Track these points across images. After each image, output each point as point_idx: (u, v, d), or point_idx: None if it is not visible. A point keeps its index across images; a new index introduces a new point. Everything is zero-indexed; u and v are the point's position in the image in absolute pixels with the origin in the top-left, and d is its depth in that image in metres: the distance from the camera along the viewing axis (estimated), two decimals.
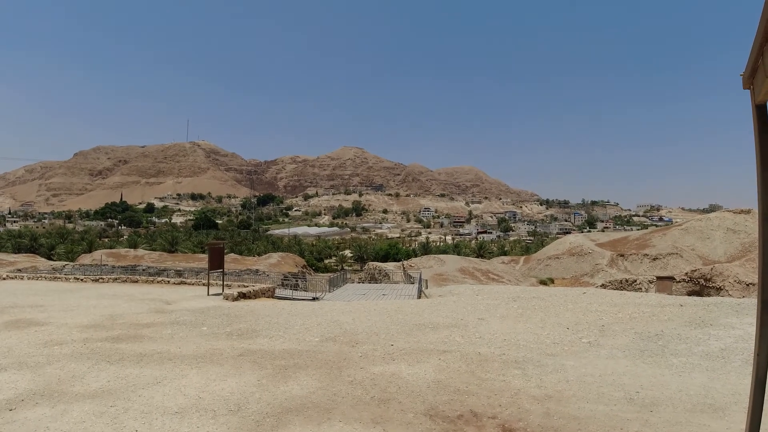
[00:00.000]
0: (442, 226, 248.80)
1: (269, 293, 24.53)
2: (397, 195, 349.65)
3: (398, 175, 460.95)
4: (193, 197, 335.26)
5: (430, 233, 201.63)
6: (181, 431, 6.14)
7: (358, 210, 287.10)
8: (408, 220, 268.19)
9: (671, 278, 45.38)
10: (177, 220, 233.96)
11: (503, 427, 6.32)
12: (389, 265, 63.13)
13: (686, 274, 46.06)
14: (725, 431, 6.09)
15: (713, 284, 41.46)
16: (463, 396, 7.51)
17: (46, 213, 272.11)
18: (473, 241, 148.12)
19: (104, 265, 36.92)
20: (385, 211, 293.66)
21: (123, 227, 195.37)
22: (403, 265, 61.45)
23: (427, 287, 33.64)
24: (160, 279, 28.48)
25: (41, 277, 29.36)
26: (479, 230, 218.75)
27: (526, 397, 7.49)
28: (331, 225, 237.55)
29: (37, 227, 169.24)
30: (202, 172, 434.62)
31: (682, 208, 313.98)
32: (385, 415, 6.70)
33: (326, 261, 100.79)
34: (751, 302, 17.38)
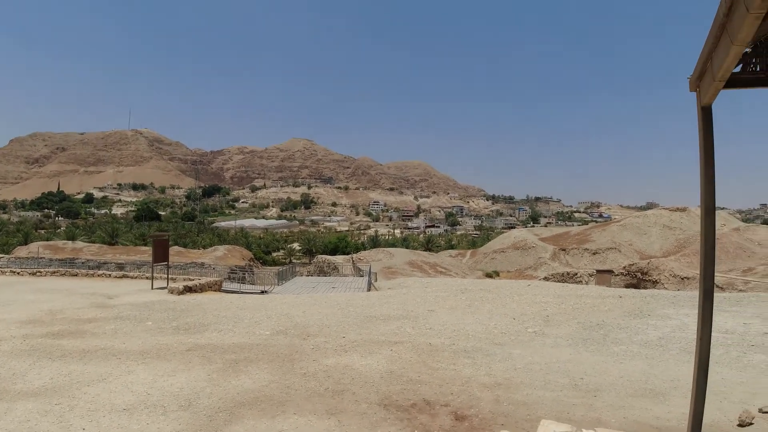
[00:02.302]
0: (391, 219, 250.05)
1: (216, 287, 24.08)
2: (347, 188, 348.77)
3: (348, 168, 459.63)
4: (135, 187, 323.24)
5: (379, 227, 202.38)
6: (131, 428, 5.98)
7: (307, 203, 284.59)
8: (357, 214, 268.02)
9: (610, 271, 47.44)
10: (118, 211, 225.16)
11: (455, 414, 6.47)
12: (338, 259, 63.04)
13: (624, 267, 48.23)
14: (666, 414, 6.44)
15: (650, 278, 43.55)
16: (415, 385, 7.63)
17: None
18: (422, 235, 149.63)
19: (41, 257, 35.23)
20: (334, 204, 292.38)
21: (60, 218, 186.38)
22: (352, 258, 61.47)
23: (376, 280, 33.81)
24: (100, 272, 27.47)
25: None
26: (427, 224, 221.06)
27: (477, 385, 7.68)
28: (280, 218, 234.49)
29: None
30: (145, 162, 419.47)
31: (621, 206, 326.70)
32: (339, 406, 6.73)
33: (274, 254, 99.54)
34: (686, 295, 18.39)
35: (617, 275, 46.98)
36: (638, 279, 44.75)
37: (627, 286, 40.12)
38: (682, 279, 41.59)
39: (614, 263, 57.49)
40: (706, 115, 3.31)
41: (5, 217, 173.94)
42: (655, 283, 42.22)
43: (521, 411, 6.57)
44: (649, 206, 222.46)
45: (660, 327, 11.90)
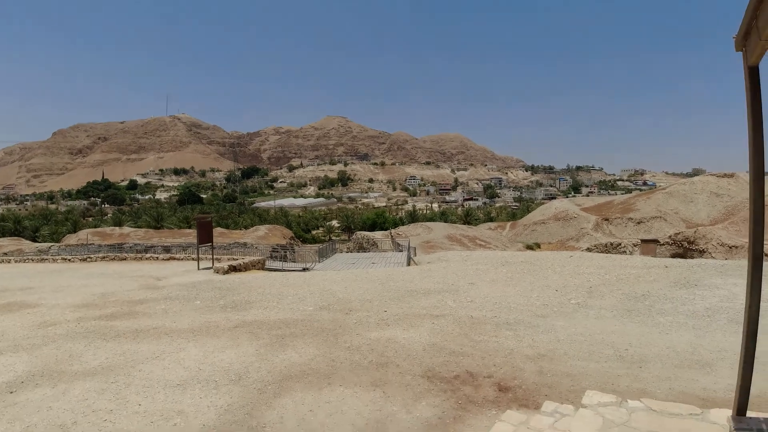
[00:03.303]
0: (428, 193, 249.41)
1: (259, 265, 24.60)
2: (383, 164, 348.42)
3: (383, 144, 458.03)
4: (176, 172, 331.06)
5: (416, 201, 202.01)
6: (185, 402, 6.25)
7: (344, 180, 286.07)
8: (394, 189, 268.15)
9: (655, 241, 46.24)
10: (161, 196, 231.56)
11: (499, 385, 6.52)
12: (377, 234, 63.43)
13: (670, 237, 46.91)
14: (713, 385, 6.34)
15: (697, 247, 42.29)
16: (458, 357, 7.71)
17: (27, 195, 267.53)
18: (460, 208, 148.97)
19: (90, 244, 36.65)
20: (371, 181, 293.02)
21: (106, 205, 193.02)
22: (390, 233, 61.75)
23: (415, 255, 33.92)
24: (148, 256, 28.38)
25: (28, 259, 29.06)
26: (465, 197, 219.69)
27: (520, 356, 7.71)
28: (317, 196, 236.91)
29: (19, 210, 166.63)
30: (184, 147, 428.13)
31: (666, 173, 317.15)
32: (383, 378, 6.87)
33: (314, 232, 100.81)
34: (735, 264, 17.81)
35: (663, 245, 45.76)
36: (684, 248, 43.50)
37: (673, 256, 39.11)
38: (730, 248, 40.23)
39: (659, 232, 55.96)
40: (753, 76, 3.19)
41: (53, 207, 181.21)
42: (702, 253, 40.97)
43: (565, 382, 6.58)
44: (696, 173, 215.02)
45: (707, 297, 11.60)
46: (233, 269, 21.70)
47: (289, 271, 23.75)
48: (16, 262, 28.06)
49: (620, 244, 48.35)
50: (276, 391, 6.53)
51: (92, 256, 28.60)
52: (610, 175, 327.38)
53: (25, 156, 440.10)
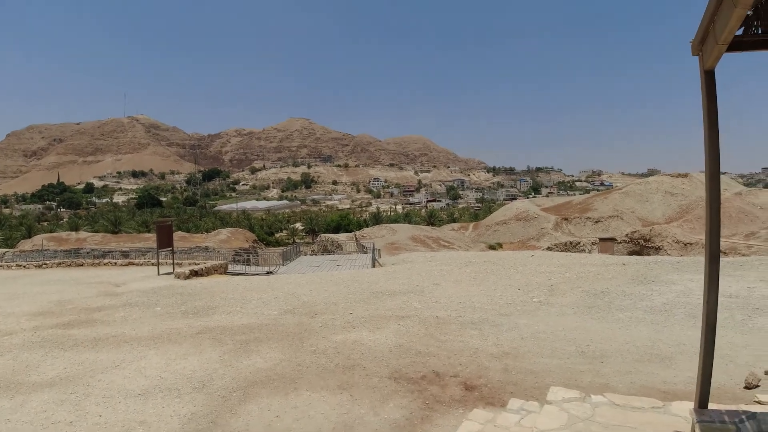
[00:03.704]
0: (392, 195, 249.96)
1: (222, 270, 24.21)
2: (347, 166, 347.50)
3: (347, 146, 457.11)
4: (135, 175, 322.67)
5: (380, 203, 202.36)
6: (147, 412, 6.08)
7: (308, 182, 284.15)
8: (358, 191, 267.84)
9: (613, 239, 47.52)
10: (119, 199, 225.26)
11: (465, 384, 6.57)
12: (341, 237, 63.15)
13: (627, 235, 48.31)
14: (673, 378, 6.54)
15: (653, 244, 43.68)
16: (424, 358, 7.74)
17: None
18: (423, 210, 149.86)
19: (46, 249, 35.28)
20: (334, 183, 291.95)
21: (62, 209, 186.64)
22: (355, 235, 61.60)
23: (380, 256, 33.96)
24: (106, 261, 27.58)
25: None
26: (429, 199, 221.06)
27: (485, 355, 7.79)
28: (281, 198, 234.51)
29: None
30: (143, 148, 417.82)
31: (622, 173, 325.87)
32: (350, 381, 6.83)
33: (277, 235, 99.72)
34: (690, 260, 18.46)
35: (620, 243, 47.10)
36: (641, 246, 44.88)
37: (630, 254, 40.28)
38: (685, 245, 41.70)
39: (617, 231, 57.55)
40: (709, 79, 3.30)
41: (7, 211, 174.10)
42: (658, 250, 42.35)
43: (530, 379, 6.68)
44: (651, 173, 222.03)
45: (664, 293, 11.98)
46: (195, 274, 21.29)
47: (252, 275, 23.44)
48: None
49: (579, 243, 49.55)
50: (241, 397, 6.42)
51: (48, 262, 27.62)
52: (568, 176, 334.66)
53: None
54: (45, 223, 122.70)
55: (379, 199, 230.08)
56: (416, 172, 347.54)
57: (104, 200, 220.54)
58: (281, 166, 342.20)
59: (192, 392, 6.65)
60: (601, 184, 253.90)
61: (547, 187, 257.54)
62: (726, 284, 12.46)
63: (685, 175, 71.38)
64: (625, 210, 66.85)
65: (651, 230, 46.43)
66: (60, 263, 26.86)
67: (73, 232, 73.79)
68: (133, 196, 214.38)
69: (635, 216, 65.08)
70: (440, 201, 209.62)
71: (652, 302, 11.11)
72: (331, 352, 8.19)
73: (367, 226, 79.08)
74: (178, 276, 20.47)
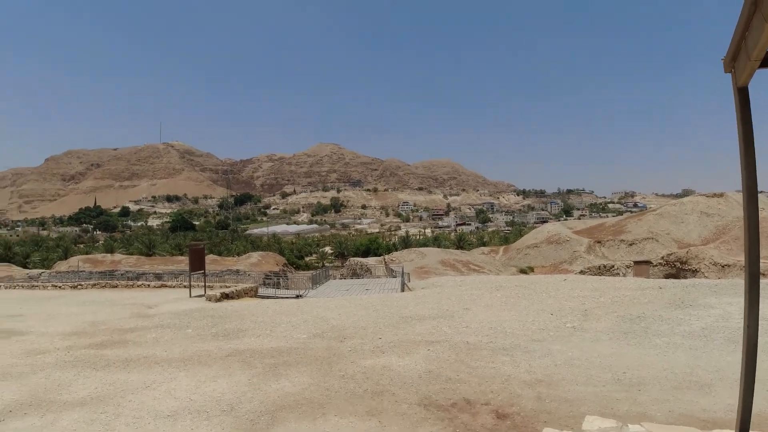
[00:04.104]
0: (421, 219, 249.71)
1: (252, 293, 24.40)
2: (376, 190, 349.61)
3: (376, 170, 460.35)
4: (169, 199, 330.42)
5: (409, 227, 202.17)
6: None
7: (337, 206, 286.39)
8: (387, 215, 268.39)
9: (648, 262, 46.31)
10: (153, 222, 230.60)
11: (497, 412, 6.41)
12: (370, 260, 63.19)
13: (662, 257, 47.06)
14: (713, 406, 6.27)
15: (689, 267, 42.42)
16: (455, 384, 7.59)
17: (19, 221, 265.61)
18: (453, 234, 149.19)
19: (81, 271, 36.30)
20: (364, 207, 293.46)
21: (98, 232, 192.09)
22: (384, 259, 61.57)
23: (409, 280, 33.77)
24: (139, 283, 28.12)
25: (18, 285, 28.75)
26: (458, 222, 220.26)
27: (517, 382, 7.60)
28: (310, 222, 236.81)
29: (10, 236, 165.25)
30: (177, 173, 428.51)
31: (656, 194, 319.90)
32: (379, 407, 6.74)
33: (307, 258, 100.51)
34: (729, 283, 17.85)
35: (655, 266, 45.88)
36: (677, 269, 43.63)
37: (666, 277, 39.16)
38: (723, 267, 40.40)
39: (652, 253, 56.14)
40: (742, 97, 3.22)
41: (45, 233, 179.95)
42: (695, 272, 41.11)
43: (564, 407, 6.48)
44: (686, 193, 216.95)
45: (702, 317, 11.58)
46: (226, 297, 21.50)
47: (282, 298, 23.55)
48: (6, 288, 27.73)
49: (613, 266, 48.40)
50: (269, 421, 6.39)
51: (83, 283, 28.29)
52: (600, 197, 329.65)
53: (17, 182, 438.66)
54: (81, 245, 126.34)
55: (408, 223, 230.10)
56: (445, 196, 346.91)
57: (139, 224, 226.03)
58: (311, 191, 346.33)
59: (221, 415, 6.65)
60: (635, 205, 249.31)
61: (578, 209, 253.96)
62: (766, 307, 12.00)
63: (721, 195, 69.47)
64: (660, 232, 65.27)
65: (687, 252, 45.15)
66: (95, 284, 27.47)
67: (108, 254, 75.73)
68: (167, 220, 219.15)
69: (670, 238, 63.46)
70: (469, 224, 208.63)
71: (690, 327, 10.74)
72: (360, 377, 8.11)
73: (396, 250, 79.01)
74: (209, 298, 20.71)
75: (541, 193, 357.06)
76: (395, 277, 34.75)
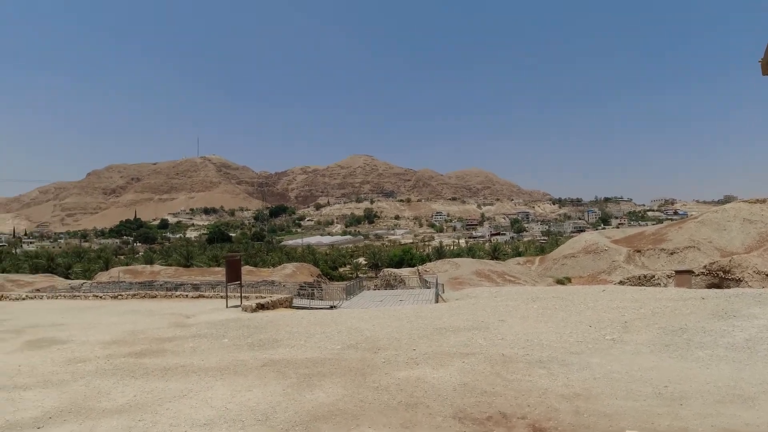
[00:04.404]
0: (454, 229, 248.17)
1: (287, 303, 24.60)
2: (409, 200, 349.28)
3: (408, 180, 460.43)
4: (206, 211, 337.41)
5: (443, 237, 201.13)
6: None
7: (370, 217, 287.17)
8: (420, 225, 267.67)
9: (690, 272, 44.79)
10: (191, 234, 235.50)
11: (533, 426, 6.29)
12: (404, 271, 63.01)
13: (705, 267, 45.51)
14: (756, 420, 6.02)
15: (732, 276, 40.95)
16: (490, 397, 7.48)
17: (61, 233, 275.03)
18: (487, 244, 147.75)
19: (122, 281, 37.24)
20: (397, 218, 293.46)
21: (138, 244, 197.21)
22: (418, 270, 61.31)
23: (443, 291, 33.53)
24: (177, 293, 28.66)
25: (60, 296, 29.62)
26: (492, 232, 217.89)
27: (554, 396, 7.44)
28: (344, 233, 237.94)
29: (53, 247, 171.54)
30: (214, 186, 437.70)
31: (697, 201, 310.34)
32: (413, 420, 6.69)
33: (341, 269, 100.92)
34: None
35: (698, 275, 44.39)
36: (720, 278, 42.12)
37: (709, 286, 37.87)
38: (766, 275, 38.84)
39: (693, 263, 54.36)
40: None
41: (86, 245, 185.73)
42: (738, 282, 39.61)
43: (603, 422, 6.31)
44: (727, 200, 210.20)
45: (746, 328, 11.14)
46: (261, 307, 21.73)
47: (316, 309, 23.69)
48: (48, 298, 28.58)
49: (654, 276, 47.03)
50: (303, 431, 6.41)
51: (123, 293, 28.96)
52: (639, 205, 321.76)
53: (60, 195, 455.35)
54: (122, 257, 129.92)
55: (441, 234, 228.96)
56: (479, 206, 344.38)
57: (177, 235, 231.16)
58: (345, 202, 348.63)
59: (255, 424, 6.70)
60: (675, 213, 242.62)
61: (616, 217, 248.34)
62: None
63: (764, 201, 66.76)
64: (702, 240, 63.17)
65: (730, 261, 43.54)
66: (134, 294, 28.10)
67: (148, 266, 77.56)
68: (205, 232, 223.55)
69: (713, 246, 61.33)
70: (504, 234, 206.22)
71: (733, 339, 10.34)
72: (394, 389, 8.07)
73: (429, 261, 78.61)
74: (245, 309, 20.96)
75: (577, 202, 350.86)
76: (429, 287, 34.58)
